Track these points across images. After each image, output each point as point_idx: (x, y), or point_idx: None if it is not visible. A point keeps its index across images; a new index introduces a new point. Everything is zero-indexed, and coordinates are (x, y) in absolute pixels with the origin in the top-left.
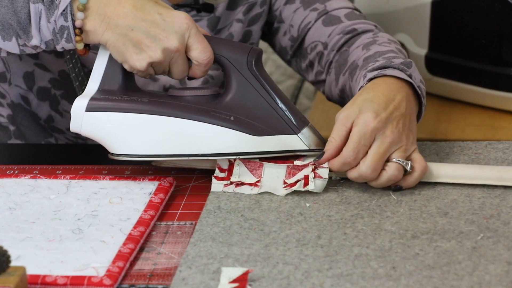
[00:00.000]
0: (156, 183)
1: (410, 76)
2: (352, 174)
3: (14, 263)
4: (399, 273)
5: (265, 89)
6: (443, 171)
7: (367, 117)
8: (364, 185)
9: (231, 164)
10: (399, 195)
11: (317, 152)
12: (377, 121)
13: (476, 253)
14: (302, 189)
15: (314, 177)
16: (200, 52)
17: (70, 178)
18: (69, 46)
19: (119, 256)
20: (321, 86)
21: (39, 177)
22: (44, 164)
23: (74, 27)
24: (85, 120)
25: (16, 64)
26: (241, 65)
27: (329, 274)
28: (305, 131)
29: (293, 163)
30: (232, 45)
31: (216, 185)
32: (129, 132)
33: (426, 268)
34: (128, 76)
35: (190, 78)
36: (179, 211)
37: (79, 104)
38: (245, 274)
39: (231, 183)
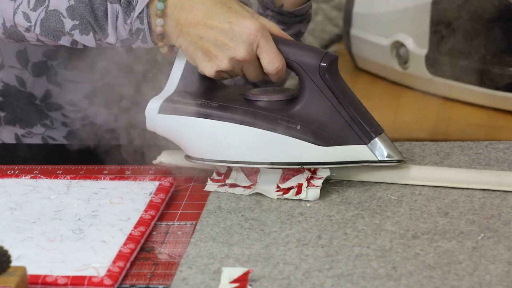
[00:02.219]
0: (157, 183)
1: None
2: None
3: (14, 263)
4: (400, 273)
5: (336, 97)
6: (443, 175)
7: None
8: (365, 185)
9: (229, 169)
10: (400, 195)
11: (387, 163)
12: None
13: (477, 253)
14: (294, 198)
15: (307, 186)
16: (269, 63)
17: (71, 178)
18: (145, 46)
19: (119, 256)
20: None
21: (39, 177)
22: (44, 164)
23: (150, 30)
24: (158, 121)
25: (7, 45)
26: (312, 71)
27: (329, 274)
28: (376, 141)
29: (285, 171)
30: (306, 49)
31: (211, 185)
32: (194, 136)
33: (427, 268)
34: (207, 83)
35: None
36: (180, 211)
37: (153, 105)
38: (246, 274)
39: (225, 184)
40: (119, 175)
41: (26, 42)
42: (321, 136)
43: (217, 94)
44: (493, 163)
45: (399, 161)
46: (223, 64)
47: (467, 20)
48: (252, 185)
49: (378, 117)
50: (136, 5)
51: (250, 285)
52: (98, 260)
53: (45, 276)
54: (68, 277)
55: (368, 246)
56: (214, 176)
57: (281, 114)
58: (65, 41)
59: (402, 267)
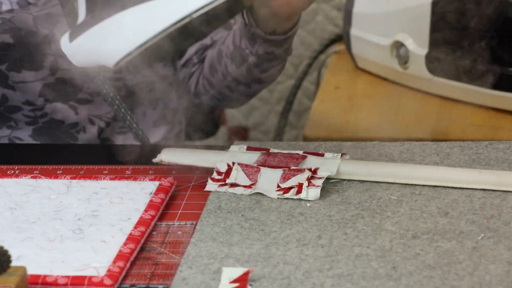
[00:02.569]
0: (157, 183)
1: None
2: None
3: (14, 263)
4: (400, 273)
5: None
6: (443, 175)
7: None
8: (365, 185)
9: (229, 168)
10: (400, 195)
11: None
12: None
13: (477, 253)
14: (295, 197)
15: (308, 186)
16: None
17: (71, 178)
18: None
19: (119, 256)
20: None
21: (39, 177)
22: (44, 164)
23: None
24: (74, 50)
25: None
26: None
27: (329, 274)
28: None
29: (289, 167)
30: None
31: (211, 185)
32: (107, 39)
33: (427, 268)
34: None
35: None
36: (180, 211)
37: (64, 39)
38: (246, 274)
39: (226, 184)
40: (119, 175)
41: None
42: None
43: None
44: (493, 163)
45: None
46: None
47: (467, 20)
48: (253, 184)
49: (378, 117)
50: None
51: (250, 285)
52: (98, 260)
53: (45, 276)
54: (68, 277)
55: (368, 246)
56: (215, 175)
57: None
58: None
59: (402, 267)
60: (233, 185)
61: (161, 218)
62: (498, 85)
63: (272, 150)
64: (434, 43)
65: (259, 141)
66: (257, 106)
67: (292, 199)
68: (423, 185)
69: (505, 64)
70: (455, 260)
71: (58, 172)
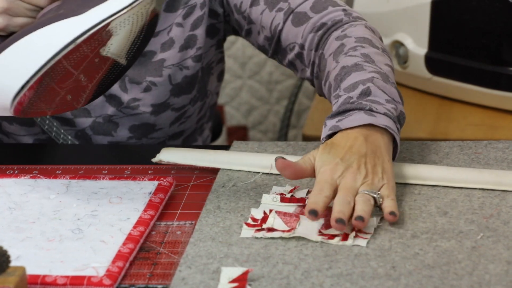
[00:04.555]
0: (156, 183)
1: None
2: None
3: (14, 263)
4: (399, 273)
5: None
6: (442, 174)
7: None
8: None
9: (266, 216)
10: (399, 195)
11: (139, 3)
12: (334, 171)
13: (476, 253)
14: (340, 243)
15: (355, 237)
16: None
17: (70, 178)
18: None
19: (118, 256)
20: (309, 81)
21: (38, 177)
22: (44, 164)
23: None
24: None
25: None
26: None
27: (328, 273)
28: None
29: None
30: None
31: (246, 231)
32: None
33: (426, 268)
34: None
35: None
36: (179, 211)
37: None
38: (245, 274)
39: (263, 229)
40: (118, 175)
41: None
42: (81, 7)
43: None
44: (492, 162)
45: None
46: None
47: (466, 20)
48: (292, 229)
49: None
50: None
51: (250, 284)
52: (98, 260)
53: (44, 276)
54: (67, 277)
55: (367, 245)
56: (250, 221)
57: (48, 14)
58: None
59: (401, 267)
60: (271, 229)
61: (160, 218)
62: (497, 85)
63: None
64: (433, 43)
65: (258, 141)
66: (256, 106)
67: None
68: (422, 185)
69: (504, 64)
70: (454, 260)
71: (57, 172)
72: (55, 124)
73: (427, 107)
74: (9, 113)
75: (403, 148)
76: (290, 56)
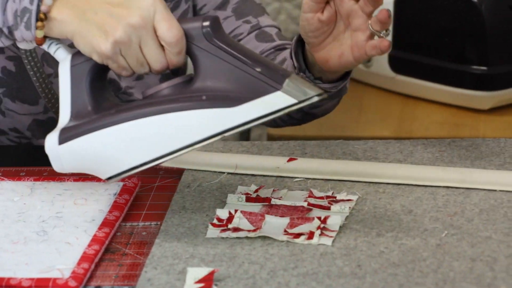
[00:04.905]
0: (121, 183)
1: None
2: None
3: None
4: (364, 271)
5: (231, 55)
6: (406, 172)
7: None
8: (329, 184)
9: (231, 216)
10: (364, 194)
11: (308, 101)
12: None
13: (441, 250)
14: (305, 242)
15: (321, 235)
16: (167, 30)
17: (34, 180)
18: (27, 36)
19: (84, 258)
20: None
21: (2, 179)
22: (7, 166)
23: (38, 12)
24: (62, 154)
25: None
26: (198, 39)
27: (294, 273)
28: (288, 82)
29: (296, 217)
30: (183, 21)
31: (212, 231)
32: (107, 150)
33: (391, 266)
34: (98, 91)
35: (174, 73)
36: (144, 212)
37: (51, 140)
38: (211, 274)
39: (228, 229)
40: (83, 176)
41: None
42: (229, 97)
43: (115, 105)
44: (456, 160)
45: (319, 95)
46: (119, 32)
47: (429, 19)
48: (258, 229)
49: (342, 115)
50: None
51: (216, 285)
52: (63, 261)
53: (9, 279)
54: (32, 279)
55: (332, 244)
56: (215, 221)
57: (184, 93)
58: None
59: (366, 265)
60: (236, 229)
61: (125, 219)
62: (461, 83)
63: (273, 201)
64: (397, 41)
65: (223, 141)
66: None
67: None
68: (387, 183)
69: (467, 62)
70: (419, 258)
71: (21, 174)
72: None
73: (391, 106)
74: (102, 177)
75: (367, 146)
76: None
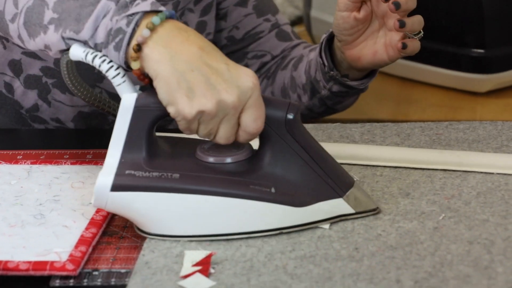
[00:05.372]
0: None
1: None
2: None
3: None
4: (362, 254)
5: (306, 151)
6: (404, 155)
7: None
8: None
9: None
10: (361, 177)
11: (365, 214)
12: None
13: (438, 233)
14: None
15: None
16: (254, 120)
17: (31, 163)
18: (113, 56)
19: (81, 241)
20: None
21: None
22: (4, 149)
23: (132, 35)
24: (110, 199)
25: None
26: (278, 125)
27: (292, 256)
28: (351, 192)
29: None
30: (269, 101)
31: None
32: (160, 212)
33: (389, 249)
34: (152, 139)
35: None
36: None
37: (104, 183)
38: (208, 257)
39: None
40: (80, 159)
41: (10, 38)
42: (296, 196)
43: (169, 159)
44: (453, 143)
45: (373, 210)
46: (209, 104)
47: (427, 1)
48: None
49: None
50: (131, 7)
51: (213, 267)
52: (60, 245)
53: (6, 262)
54: (30, 262)
55: (330, 227)
56: None
57: (251, 177)
58: (34, 44)
59: (364, 248)
60: None
61: None
62: (458, 66)
63: None
64: None
65: None
66: None
67: None
68: (384, 166)
69: (465, 45)
70: (416, 240)
71: (18, 157)
72: (103, 97)
73: (388, 89)
74: (143, 229)
75: (365, 129)
76: (251, 61)
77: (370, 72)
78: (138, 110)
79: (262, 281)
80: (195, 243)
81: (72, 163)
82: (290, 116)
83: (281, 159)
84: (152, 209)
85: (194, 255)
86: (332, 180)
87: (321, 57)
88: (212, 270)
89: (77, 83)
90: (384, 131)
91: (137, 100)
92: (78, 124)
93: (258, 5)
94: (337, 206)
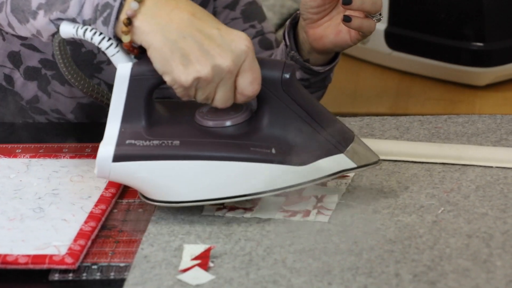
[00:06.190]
0: None
1: None
2: None
3: None
4: (361, 248)
5: (303, 110)
6: (403, 149)
7: None
8: None
9: None
10: (360, 170)
11: (367, 167)
12: None
13: (437, 227)
14: (302, 220)
15: (317, 213)
16: (250, 83)
17: (30, 157)
18: (102, 31)
19: (80, 235)
20: None
21: None
22: (3, 143)
23: (120, 10)
24: (113, 169)
25: None
26: (275, 86)
27: (291, 249)
28: (352, 147)
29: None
30: (264, 62)
31: (208, 209)
32: (163, 180)
33: (388, 243)
34: (151, 107)
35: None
36: None
37: (105, 154)
38: (207, 250)
39: (224, 207)
40: (79, 153)
41: (0, 26)
42: (297, 155)
43: (167, 124)
44: (452, 136)
45: (376, 162)
46: (205, 70)
47: None
48: (253, 207)
49: (338, 92)
50: None
51: (212, 261)
52: (59, 238)
53: (5, 256)
54: (29, 256)
55: (329, 221)
56: None
57: (251, 139)
58: (26, 30)
59: (363, 242)
60: (232, 208)
61: (122, 196)
62: (457, 60)
63: None
64: (393, 17)
65: None
66: None
67: None
68: (383, 160)
69: (464, 39)
70: (415, 234)
71: (17, 151)
72: (101, 88)
73: (387, 82)
74: (148, 197)
75: (364, 123)
76: None
77: (332, 59)
78: (134, 79)
79: (261, 275)
80: (194, 237)
81: (71, 157)
82: (286, 76)
83: (279, 119)
84: (155, 177)
85: (193, 249)
86: (332, 136)
87: (284, 38)
88: (211, 264)
89: (72, 69)
90: (383, 125)
91: (133, 69)
92: (78, 115)
93: (246, 10)
94: (339, 161)
